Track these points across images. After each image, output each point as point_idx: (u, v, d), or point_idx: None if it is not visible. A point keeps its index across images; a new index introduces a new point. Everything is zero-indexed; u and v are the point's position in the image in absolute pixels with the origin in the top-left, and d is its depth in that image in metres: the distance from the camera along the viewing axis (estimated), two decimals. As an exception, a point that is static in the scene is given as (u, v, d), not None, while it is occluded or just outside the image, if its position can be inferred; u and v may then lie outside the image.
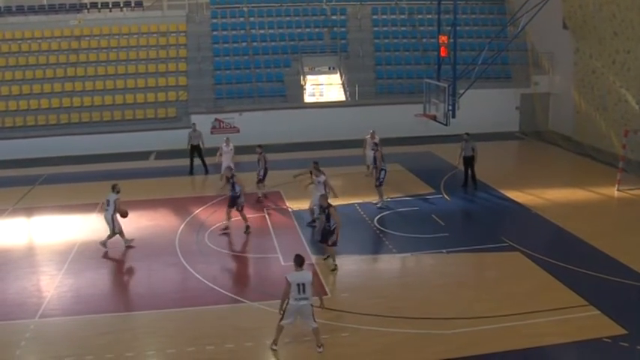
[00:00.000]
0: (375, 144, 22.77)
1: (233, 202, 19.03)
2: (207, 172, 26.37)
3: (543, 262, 16.34)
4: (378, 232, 19.26)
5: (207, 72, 34.17)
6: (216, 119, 31.82)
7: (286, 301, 12.13)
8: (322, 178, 19.00)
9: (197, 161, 26.54)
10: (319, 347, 12.36)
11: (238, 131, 31.64)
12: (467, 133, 23.36)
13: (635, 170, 24.07)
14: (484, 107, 31.37)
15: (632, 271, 15.72)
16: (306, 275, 12.15)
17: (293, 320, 12.30)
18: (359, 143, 25.49)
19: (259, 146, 22.78)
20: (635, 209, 21.02)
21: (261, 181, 22.36)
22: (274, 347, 12.46)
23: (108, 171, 27.11)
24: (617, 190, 22.66)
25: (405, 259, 17.28)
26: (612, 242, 17.58)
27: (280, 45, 35.53)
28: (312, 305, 12.21)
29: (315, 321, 12.32)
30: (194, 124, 27.48)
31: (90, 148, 30.16)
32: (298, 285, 11.99)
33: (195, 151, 26.39)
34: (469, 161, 23.23)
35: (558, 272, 15.71)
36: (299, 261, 12.26)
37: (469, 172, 23.43)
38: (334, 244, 16.18)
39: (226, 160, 24.11)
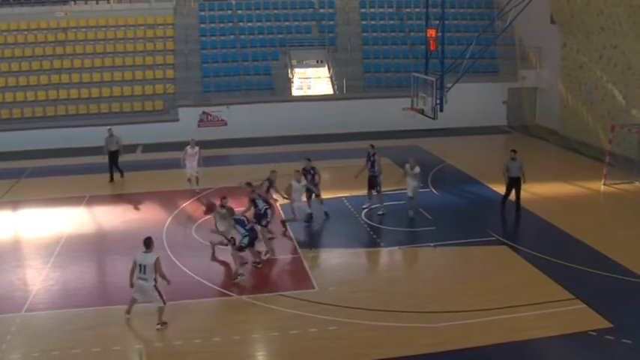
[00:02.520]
0: (415, 175, 19.75)
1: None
2: (122, 174, 24.93)
3: (530, 256, 16.42)
4: (365, 225, 19.28)
5: (194, 65, 34.00)
6: (203, 112, 31.70)
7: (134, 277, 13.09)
8: (303, 182, 18.79)
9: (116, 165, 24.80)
10: (157, 324, 12.97)
11: (226, 124, 31.60)
12: (513, 150, 19.99)
13: (621, 164, 24.19)
14: (472, 101, 31.54)
15: (617, 264, 15.82)
16: (148, 258, 12.93)
17: (138, 295, 13.15)
18: (346, 137, 25.38)
19: (272, 171, 19.06)
20: (621, 203, 21.19)
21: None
22: (127, 315, 13.34)
23: (94, 164, 26.90)
24: (604, 184, 22.80)
25: (393, 253, 17.34)
26: (598, 236, 17.70)
27: (268, 38, 35.44)
28: (155, 287, 12.93)
29: (161, 301, 12.97)
30: (110, 128, 25.01)
31: (76, 141, 29.85)
32: (140, 265, 12.94)
33: (113, 157, 24.54)
34: (516, 182, 19.82)
35: (545, 266, 15.79)
36: (146, 243, 13.06)
37: (513, 193, 20.01)
38: (240, 249, 15.56)
39: (191, 163, 22.69)
